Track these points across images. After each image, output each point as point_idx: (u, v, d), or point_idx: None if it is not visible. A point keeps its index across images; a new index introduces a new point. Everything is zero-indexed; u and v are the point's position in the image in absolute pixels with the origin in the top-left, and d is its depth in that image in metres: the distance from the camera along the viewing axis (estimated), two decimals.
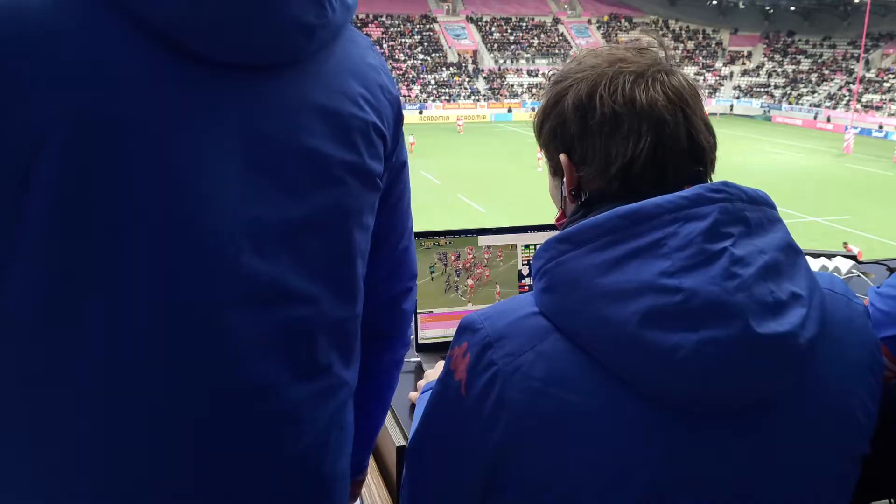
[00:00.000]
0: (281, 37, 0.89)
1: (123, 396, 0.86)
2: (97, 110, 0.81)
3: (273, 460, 0.96)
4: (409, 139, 34.58)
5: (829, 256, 2.40)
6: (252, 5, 0.85)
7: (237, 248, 0.88)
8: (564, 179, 0.96)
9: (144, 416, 0.87)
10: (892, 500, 1.95)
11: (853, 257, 2.43)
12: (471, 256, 1.83)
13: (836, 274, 2.30)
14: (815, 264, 2.33)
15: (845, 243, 15.07)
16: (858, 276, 2.30)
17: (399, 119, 1.09)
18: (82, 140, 0.80)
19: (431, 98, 51.70)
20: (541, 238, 1.87)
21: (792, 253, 0.86)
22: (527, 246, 1.87)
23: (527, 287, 1.87)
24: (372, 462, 1.60)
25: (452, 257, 1.82)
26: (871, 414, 0.92)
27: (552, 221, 1.79)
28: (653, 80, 0.91)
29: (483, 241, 1.84)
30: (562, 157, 0.95)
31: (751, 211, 0.85)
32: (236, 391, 0.91)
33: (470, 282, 1.83)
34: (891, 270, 2.40)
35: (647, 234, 0.82)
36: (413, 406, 1.56)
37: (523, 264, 1.87)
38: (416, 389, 1.64)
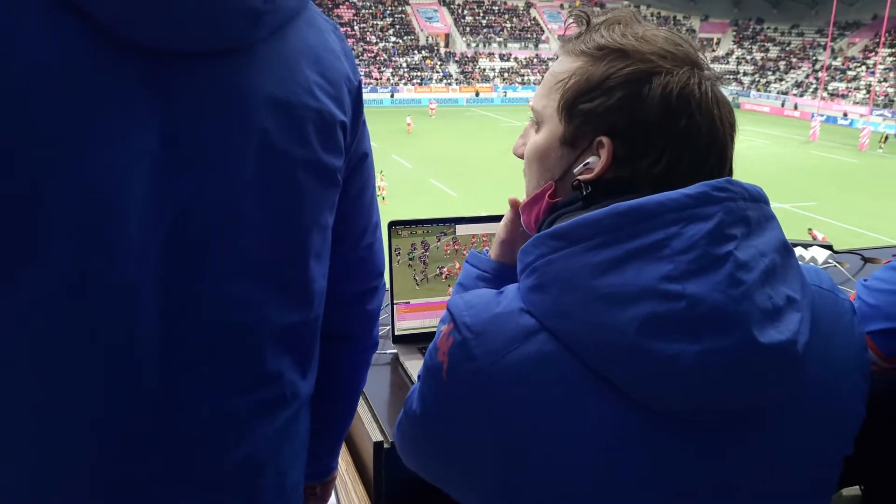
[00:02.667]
0: (222, 22, 0.81)
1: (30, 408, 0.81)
2: (9, 97, 0.73)
3: (206, 476, 0.89)
4: (406, 119, 34.41)
5: (806, 246, 2.40)
6: None
7: (160, 254, 0.82)
8: (590, 161, 0.87)
9: (31, 444, 0.81)
10: (862, 487, 1.97)
11: (829, 247, 2.43)
12: (448, 246, 1.79)
13: (812, 264, 2.30)
14: None
15: (810, 229, 15.36)
16: (835, 265, 2.30)
17: (359, 108, 1.01)
18: None
19: (403, 81, 51.38)
20: None
21: (786, 253, 0.84)
22: None
23: None
24: (348, 458, 1.57)
25: (430, 246, 1.78)
26: (858, 413, 0.89)
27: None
28: (719, 100, 0.86)
29: (461, 230, 1.80)
30: (605, 140, 0.86)
31: (751, 210, 0.81)
32: (162, 404, 0.85)
33: (447, 270, 1.80)
34: (865, 260, 2.41)
35: (648, 234, 0.77)
36: (390, 401, 1.53)
37: None
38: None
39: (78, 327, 0.80)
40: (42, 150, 0.75)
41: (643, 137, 0.84)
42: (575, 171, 0.89)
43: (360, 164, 1.04)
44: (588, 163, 0.87)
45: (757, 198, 0.83)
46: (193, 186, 0.83)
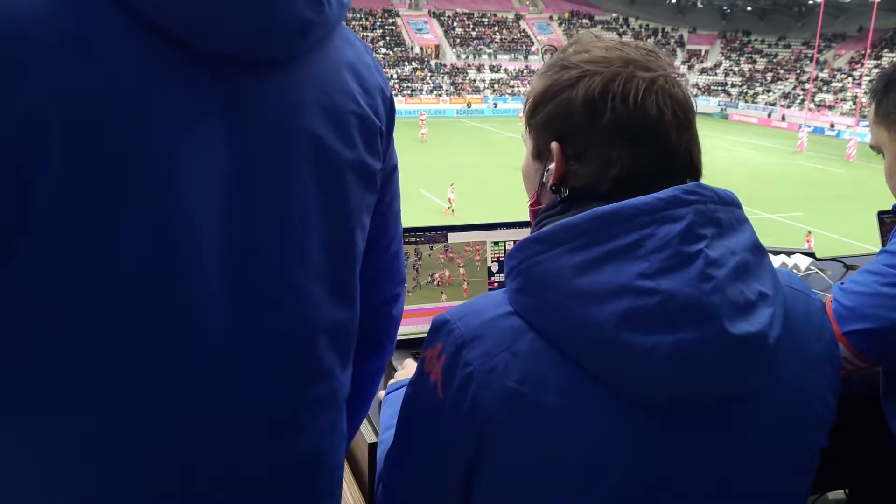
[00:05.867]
0: (280, 32, 0.85)
1: (107, 405, 0.82)
2: (88, 105, 0.76)
3: (266, 470, 0.92)
4: (420, 130, 34.27)
5: (789, 254, 2.46)
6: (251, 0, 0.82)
7: (226, 257, 0.85)
8: (551, 167, 0.94)
9: (130, 431, 0.84)
10: (847, 491, 2.01)
11: (811, 254, 2.48)
12: (441, 254, 1.83)
13: (795, 271, 2.35)
14: (775, 261, 2.38)
15: (808, 233, 15.90)
16: (816, 272, 2.35)
17: (392, 118, 1.07)
18: (78, 141, 0.75)
19: (393, 92, 51.39)
20: (510, 235, 1.88)
21: (758, 252, 0.88)
22: (496, 243, 1.88)
23: (496, 284, 1.88)
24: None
25: (423, 254, 1.82)
26: (830, 406, 0.94)
27: (519, 219, 1.82)
28: (662, 90, 0.89)
29: (453, 238, 1.84)
30: (554, 145, 0.93)
31: (722, 212, 0.86)
32: (224, 399, 0.87)
33: (438, 277, 1.83)
34: (847, 267, 2.47)
35: (623, 236, 0.82)
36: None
37: (492, 261, 1.87)
38: (385, 388, 1.64)
39: (144, 324, 0.82)
40: (119, 157, 0.78)
41: (579, 138, 0.91)
42: (544, 179, 0.95)
43: (392, 173, 1.10)
44: (549, 169, 0.94)
45: (728, 201, 0.88)
46: (258, 191, 0.87)
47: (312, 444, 0.97)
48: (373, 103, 1.00)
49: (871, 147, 1.53)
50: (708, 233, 0.84)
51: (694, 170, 0.93)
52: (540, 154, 0.97)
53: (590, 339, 0.81)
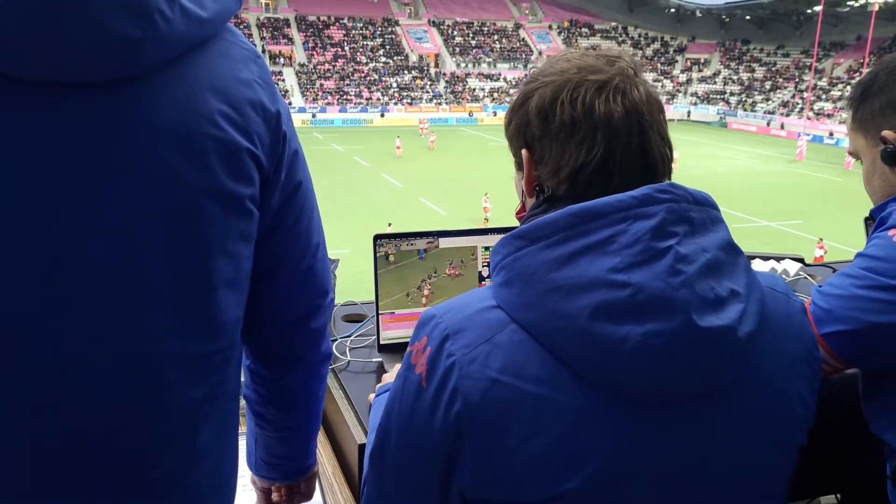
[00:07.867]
0: (100, 52, 0.80)
1: None
2: None
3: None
4: (429, 137, 34.10)
5: (779, 259, 2.48)
6: (54, 19, 0.77)
7: (50, 284, 0.83)
8: (524, 174, 1.00)
9: None
10: (838, 496, 2.02)
11: (801, 259, 2.51)
12: (433, 259, 1.86)
13: (784, 276, 2.38)
14: (765, 266, 2.40)
15: (820, 239, 16.32)
16: (805, 277, 2.38)
17: (279, 136, 1.01)
18: None
19: (393, 101, 51.62)
20: None
21: (732, 252, 0.91)
22: (487, 248, 1.90)
23: None
24: (335, 462, 1.62)
25: (415, 259, 1.85)
26: (808, 405, 0.97)
27: (510, 225, 1.84)
28: (614, 91, 0.93)
29: (444, 243, 1.87)
30: (523, 152, 0.99)
31: (695, 211, 0.89)
32: (68, 438, 0.87)
33: (431, 281, 1.86)
34: (835, 273, 2.49)
35: (597, 232, 0.86)
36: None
37: (483, 266, 1.90)
38: (374, 392, 1.66)
39: None
40: None
41: (538, 143, 0.97)
42: (523, 188, 1.01)
43: (293, 193, 1.07)
44: (524, 176, 1.00)
45: (702, 202, 0.91)
46: (87, 217, 0.84)
47: (163, 474, 0.95)
48: (243, 123, 0.94)
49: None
50: (679, 230, 0.87)
51: (650, 162, 0.94)
52: (518, 165, 1.02)
53: (565, 331, 0.84)
